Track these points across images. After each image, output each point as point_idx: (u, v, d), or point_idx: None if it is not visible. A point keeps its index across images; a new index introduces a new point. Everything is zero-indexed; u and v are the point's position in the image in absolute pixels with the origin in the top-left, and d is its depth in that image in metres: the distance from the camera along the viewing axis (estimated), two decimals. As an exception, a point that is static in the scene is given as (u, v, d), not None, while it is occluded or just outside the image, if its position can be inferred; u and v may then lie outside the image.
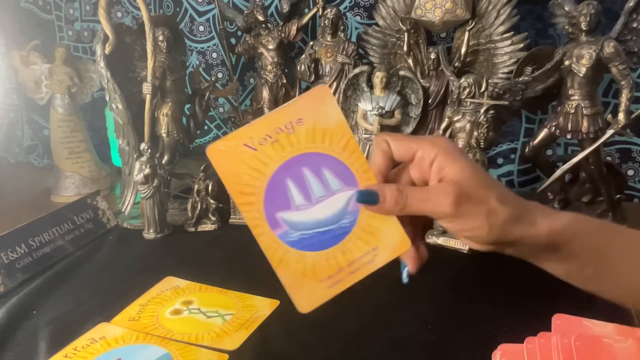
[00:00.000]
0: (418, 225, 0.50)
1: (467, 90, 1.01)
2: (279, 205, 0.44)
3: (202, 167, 1.14)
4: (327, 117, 0.44)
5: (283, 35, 1.34)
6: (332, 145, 0.44)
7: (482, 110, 0.99)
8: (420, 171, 0.48)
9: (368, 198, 0.45)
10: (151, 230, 1.08)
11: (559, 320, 0.46)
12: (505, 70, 1.13)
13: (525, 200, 0.50)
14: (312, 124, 0.44)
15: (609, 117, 0.99)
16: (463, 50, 1.15)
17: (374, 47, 1.26)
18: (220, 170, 0.43)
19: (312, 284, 0.46)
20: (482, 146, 1.00)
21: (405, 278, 0.50)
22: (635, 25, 1.00)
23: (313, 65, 1.27)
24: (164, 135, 1.18)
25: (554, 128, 1.06)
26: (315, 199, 0.45)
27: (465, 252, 1.01)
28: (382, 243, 0.46)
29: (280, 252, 0.45)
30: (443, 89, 1.18)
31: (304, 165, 0.44)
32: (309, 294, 0.47)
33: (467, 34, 1.14)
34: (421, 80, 1.18)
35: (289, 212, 0.45)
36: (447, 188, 0.45)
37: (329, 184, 0.45)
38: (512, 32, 1.13)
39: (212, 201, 1.13)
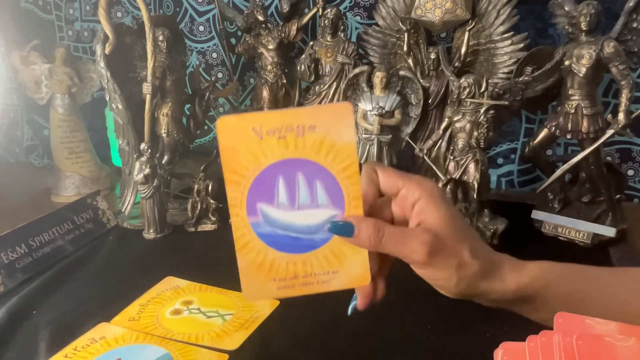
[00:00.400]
0: (386, 263, 0.50)
1: (467, 90, 1.01)
2: (263, 196, 0.45)
3: (202, 167, 1.14)
4: (340, 134, 0.44)
5: (283, 35, 1.34)
6: (334, 162, 0.45)
7: (482, 110, 0.99)
8: (401, 208, 0.49)
9: (342, 230, 0.45)
10: (151, 230, 1.08)
11: (561, 318, 0.46)
12: (505, 70, 1.13)
13: (496, 254, 0.52)
14: (323, 135, 0.44)
15: (609, 117, 0.99)
16: (463, 50, 1.15)
17: (374, 47, 1.26)
18: (222, 143, 0.44)
19: (264, 278, 0.47)
20: (482, 146, 1.00)
21: (350, 310, 0.52)
22: (635, 25, 1.00)
23: (313, 65, 1.27)
24: (164, 135, 1.18)
25: (554, 128, 1.06)
26: (298, 204, 0.46)
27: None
28: (344, 270, 0.47)
29: (247, 238, 0.46)
30: (443, 89, 1.18)
31: (300, 170, 0.45)
32: (258, 287, 0.47)
33: (467, 34, 1.14)
34: (421, 80, 1.18)
35: (269, 205, 0.45)
36: (424, 236, 0.46)
37: (317, 196, 0.46)
38: (512, 32, 1.13)
39: (212, 201, 1.13)
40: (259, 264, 0.47)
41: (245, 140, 0.43)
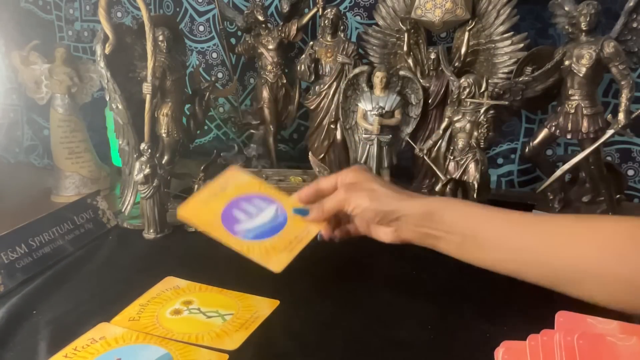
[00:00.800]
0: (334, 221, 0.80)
1: (467, 90, 1.01)
2: (233, 223, 0.77)
3: (202, 167, 1.14)
4: (240, 179, 0.83)
5: (283, 35, 1.34)
6: (251, 190, 0.82)
7: (482, 110, 0.99)
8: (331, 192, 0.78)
9: (303, 212, 0.78)
10: (151, 230, 1.08)
11: (562, 317, 0.46)
12: (505, 70, 1.14)
13: (405, 190, 0.75)
14: (234, 184, 0.82)
15: (609, 117, 1.00)
16: (463, 50, 1.16)
17: (374, 47, 1.26)
18: (195, 223, 0.81)
19: (275, 254, 0.74)
20: (482, 146, 1.01)
21: (319, 237, 0.79)
22: (635, 25, 1.00)
23: (313, 65, 1.27)
24: (164, 135, 1.18)
25: (554, 128, 1.06)
26: (254, 214, 0.79)
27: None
28: (308, 225, 0.78)
29: (245, 245, 0.75)
30: (443, 89, 1.18)
31: (240, 200, 0.80)
32: (277, 260, 0.74)
33: (467, 34, 1.14)
34: (421, 80, 1.18)
35: (239, 225, 0.77)
36: (340, 186, 0.76)
37: (259, 205, 0.80)
38: (512, 32, 1.13)
39: (212, 201, 1.13)
40: (265, 251, 0.74)
41: (200, 210, 0.80)
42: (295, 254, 0.74)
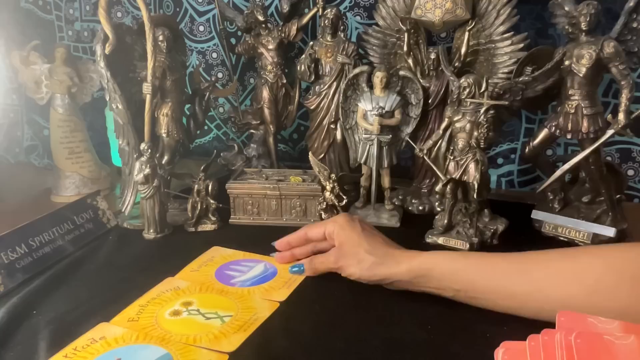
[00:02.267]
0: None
1: (467, 90, 1.01)
2: (228, 279, 0.90)
3: (202, 167, 1.13)
4: (225, 252, 1.01)
5: (283, 35, 1.34)
6: (237, 257, 0.99)
7: (482, 110, 0.99)
8: (330, 240, 0.88)
9: (299, 270, 0.90)
10: (151, 230, 1.08)
11: (563, 317, 0.46)
12: (505, 70, 1.13)
13: (395, 250, 0.81)
14: (220, 255, 0.99)
15: (609, 117, 0.99)
16: (463, 50, 1.15)
17: (374, 47, 1.26)
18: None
19: (276, 291, 0.86)
20: (482, 146, 1.00)
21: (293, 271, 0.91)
22: (635, 25, 1.00)
23: (313, 65, 1.27)
24: (164, 135, 1.18)
25: (554, 128, 1.06)
26: (245, 271, 0.93)
27: (465, 251, 1.01)
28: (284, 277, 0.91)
29: (245, 291, 0.87)
30: (443, 89, 1.18)
31: (230, 264, 0.96)
32: (280, 294, 0.85)
33: (467, 34, 1.14)
34: (421, 80, 1.18)
35: (235, 279, 0.90)
36: (332, 252, 0.85)
37: (247, 264, 0.95)
38: (512, 32, 1.13)
39: (212, 201, 1.13)
40: (265, 290, 0.87)
41: (196, 276, 0.92)
42: (293, 288, 0.87)
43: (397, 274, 0.76)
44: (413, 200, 1.24)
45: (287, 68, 1.38)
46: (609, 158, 1.27)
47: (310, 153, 1.21)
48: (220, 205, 1.14)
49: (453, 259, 0.76)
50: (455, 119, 1.03)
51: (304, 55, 1.27)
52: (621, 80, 0.98)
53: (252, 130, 1.46)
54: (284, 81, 1.37)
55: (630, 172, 1.29)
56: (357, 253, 0.80)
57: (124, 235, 1.11)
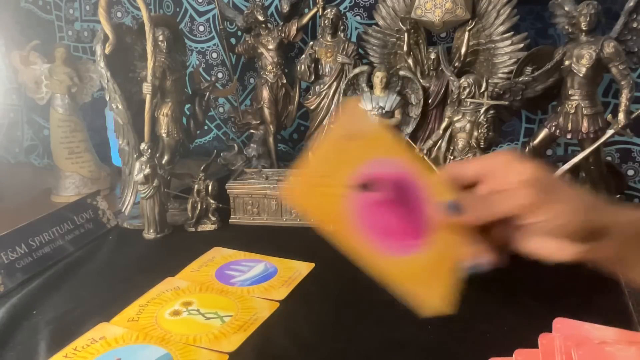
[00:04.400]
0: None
1: (467, 90, 1.01)
2: (228, 279, 0.90)
3: (202, 167, 1.13)
4: (225, 252, 1.00)
5: (283, 35, 1.34)
6: (237, 257, 0.98)
7: (482, 110, 0.99)
8: (495, 183, 0.48)
9: (455, 209, 0.46)
10: (151, 230, 1.08)
11: (559, 324, 0.45)
12: (505, 70, 1.13)
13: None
14: (221, 255, 0.99)
15: (609, 117, 0.99)
16: (463, 50, 1.15)
17: (374, 47, 1.26)
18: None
19: (276, 289, 0.86)
20: (482, 146, 1.00)
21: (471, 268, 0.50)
22: (635, 25, 1.00)
23: (313, 65, 1.27)
24: (164, 135, 1.18)
25: (554, 128, 1.06)
26: (245, 270, 0.93)
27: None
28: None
29: (245, 290, 0.86)
30: (443, 89, 1.18)
31: (229, 265, 0.95)
32: (277, 293, 0.85)
33: (467, 34, 1.14)
34: (421, 80, 1.18)
35: (234, 279, 0.90)
36: (525, 181, 0.46)
37: (247, 264, 0.95)
38: (512, 32, 1.13)
39: (212, 201, 1.13)
40: (265, 288, 0.87)
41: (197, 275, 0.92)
42: (293, 286, 0.87)
43: (625, 222, 0.49)
44: (413, 200, 1.24)
45: (287, 68, 1.38)
46: (609, 158, 1.27)
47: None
48: (220, 205, 1.14)
49: None
50: (455, 119, 1.03)
51: (304, 55, 1.27)
52: (621, 80, 0.98)
53: (252, 130, 1.45)
54: (284, 81, 1.37)
55: (630, 172, 1.29)
56: (562, 188, 0.48)
57: (124, 235, 1.11)
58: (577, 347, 0.42)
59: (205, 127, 1.61)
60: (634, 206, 0.50)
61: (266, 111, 1.39)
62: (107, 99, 1.13)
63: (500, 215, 0.46)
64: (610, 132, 0.99)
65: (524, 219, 0.46)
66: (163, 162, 1.17)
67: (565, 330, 0.45)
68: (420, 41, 1.21)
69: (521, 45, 1.12)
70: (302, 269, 0.93)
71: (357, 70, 1.18)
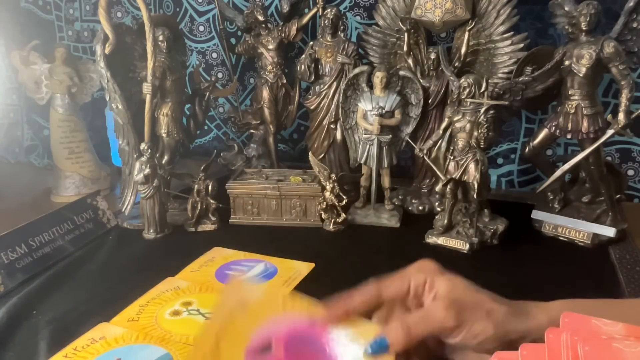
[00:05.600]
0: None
1: (467, 90, 1.01)
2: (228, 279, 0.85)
3: (202, 167, 1.13)
4: (225, 252, 1.00)
5: (283, 35, 1.34)
6: (237, 257, 0.99)
7: (482, 110, 0.99)
8: (417, 298, 0.52)
9: (381, 348, 0.48)
10: (151, 230, 1.08)
11: (567, 318, 0.45)
12: (505, 70, 1.13)
13: (513, 301, 0.53)
14: (220, 256, 0.98)
15: (609, 117, 0.99)
16: (463, 50, 1.15)
17: (374, 47, 1.26)
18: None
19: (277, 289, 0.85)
20: (482, 146, 1.00)
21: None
22: (635, 25, 1.00)
23: (313, 65, 1.27)
24: (164, 135, 1.18)
25: (554, 128, 1.06)
26: (245, 270, 0.92)
27: (465, 252, 1.01)
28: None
29: None
30: (443, 89, 1.18)
31: (229, 264, 0.94)
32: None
33: (467, 34, 1.14)
34: (421, 80, 1.18)
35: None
36: (443, 303, 0.49)
37: (247, 264, 0.94)
38: (512, 32, 1.13)
39: (212, 201, 1.13)
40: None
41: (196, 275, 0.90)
42: (293, 286, 0.86)
43: (538, 327, 0.51)
44: (413, 200, 1.24)
45: (287, 68, 1.38)
46: (609, 158, 1.27)
47: (310, 153, 1.21)
48: (220, 205, 1.14)
49: (591, 306, 0.55)
50: (455, 119, 1.03)
51: (304, 55, 1.27)
52: (621, 80, 0.98)
53: (252, 130, 1.46)
54: (284, 81, 1.37)
55: (630, 172, 1.29)
56: (482, 302, 0.51)
57: (124, 235, 1.11)
58: (584, 343, 0.42)
59: (205, 127, 1.62)
60: (544, 307, 0.52)
61: (266, 111, 1.39)
62: (107, 99, 1.13)
63: (420, 336, 0.49)
64: (610, 132, 0.99)
65: (443, 338, 0.50)
66: (163, 162, 1.17)
67: (573, 325, 0.44)
68: (420, 41, 1.21)
69: (521, 45, 1.12)
70: (302, 269, 0.93)
71: (357, 70, 1.18)
